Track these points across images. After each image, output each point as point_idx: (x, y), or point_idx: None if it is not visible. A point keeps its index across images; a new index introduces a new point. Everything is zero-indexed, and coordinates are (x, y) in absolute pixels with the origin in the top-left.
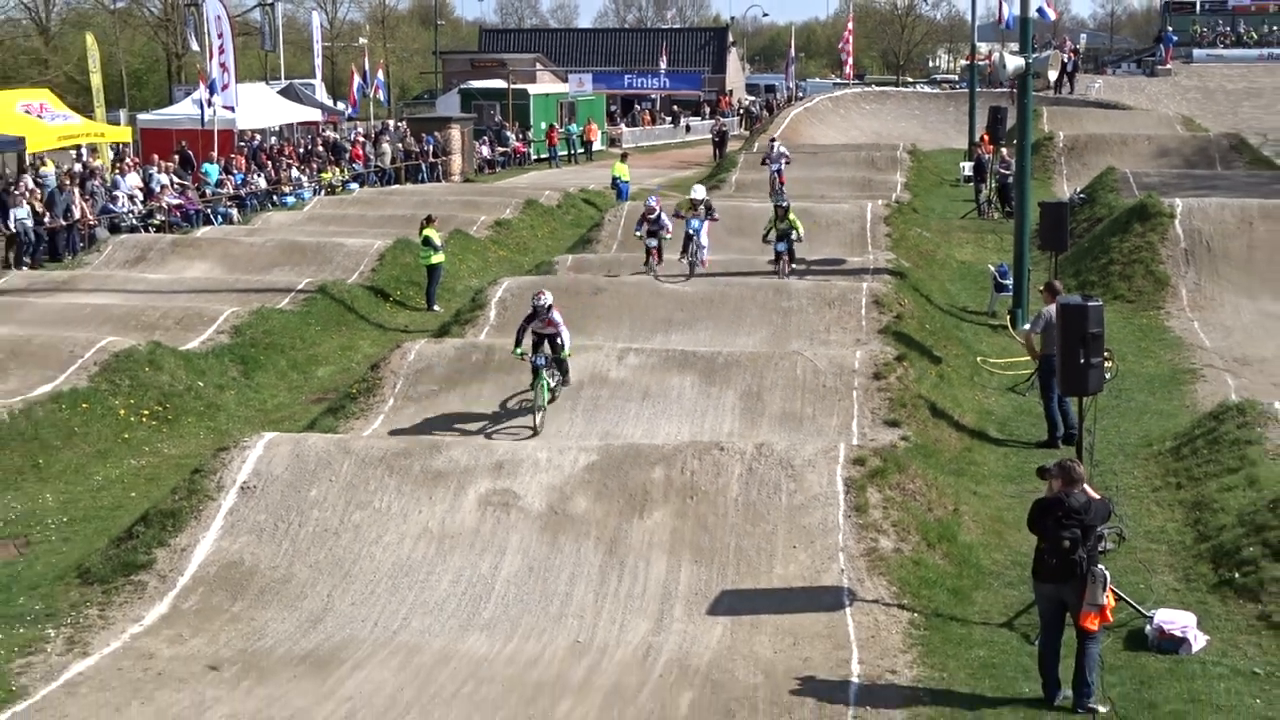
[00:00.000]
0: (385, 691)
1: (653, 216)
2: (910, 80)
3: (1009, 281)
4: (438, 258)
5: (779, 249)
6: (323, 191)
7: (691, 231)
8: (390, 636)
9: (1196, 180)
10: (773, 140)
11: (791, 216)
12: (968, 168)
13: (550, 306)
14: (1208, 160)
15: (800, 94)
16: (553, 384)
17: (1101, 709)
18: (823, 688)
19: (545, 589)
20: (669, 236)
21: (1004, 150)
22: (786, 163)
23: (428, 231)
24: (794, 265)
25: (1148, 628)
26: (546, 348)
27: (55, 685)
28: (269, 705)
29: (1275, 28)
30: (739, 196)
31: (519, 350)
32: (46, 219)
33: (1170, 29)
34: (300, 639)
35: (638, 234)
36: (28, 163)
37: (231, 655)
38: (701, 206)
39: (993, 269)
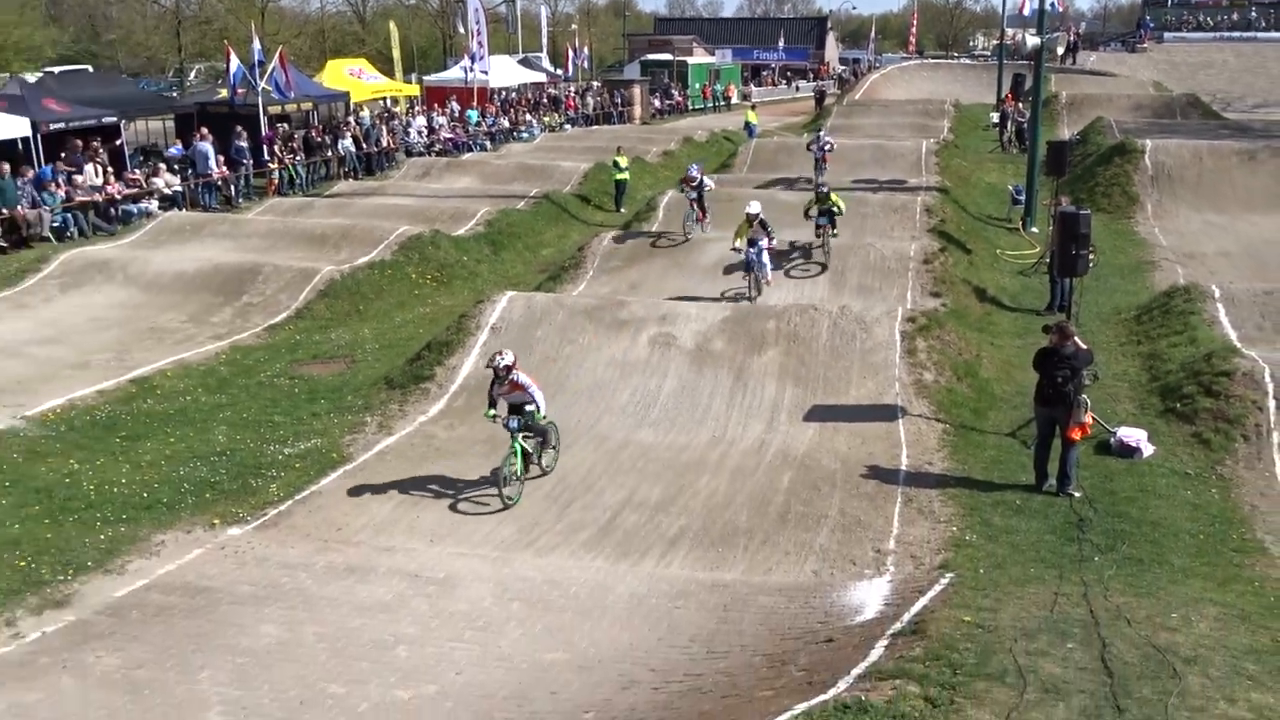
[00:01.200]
0: (585, 464)
1: (694, 183)
2: (956, 54)
3: (1022, 197)
4: (623, 175)
5: (820, 222)
6: (546, 130)
7: (752, 259)
8: (588, 428)
9: (1162, 127)
10: (820, 133)
11: (834, 197)
12: (995, 117)
13: (510, 367)
14: (1171, 113)
15: (878, 64)
16: (530, 449)
17: (1076, 494)
18: (882, 472)
19: (693, 401)
20: (711, 189)
21: (1021, 104)
22: (830, 149)
23: (617, 157)
24: (835, 232)
25: (1112, 439)
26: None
27: (370, 453)
28: None
29: (1225, 17)
30: (832, 135)
31: (490, 411)
32: (364, 147)
33: (1148, 17)
34: None
35: (681, 190)
36: (351, 109)
37: (483, 438)
38: (757, 223)
39: (1010, 188)
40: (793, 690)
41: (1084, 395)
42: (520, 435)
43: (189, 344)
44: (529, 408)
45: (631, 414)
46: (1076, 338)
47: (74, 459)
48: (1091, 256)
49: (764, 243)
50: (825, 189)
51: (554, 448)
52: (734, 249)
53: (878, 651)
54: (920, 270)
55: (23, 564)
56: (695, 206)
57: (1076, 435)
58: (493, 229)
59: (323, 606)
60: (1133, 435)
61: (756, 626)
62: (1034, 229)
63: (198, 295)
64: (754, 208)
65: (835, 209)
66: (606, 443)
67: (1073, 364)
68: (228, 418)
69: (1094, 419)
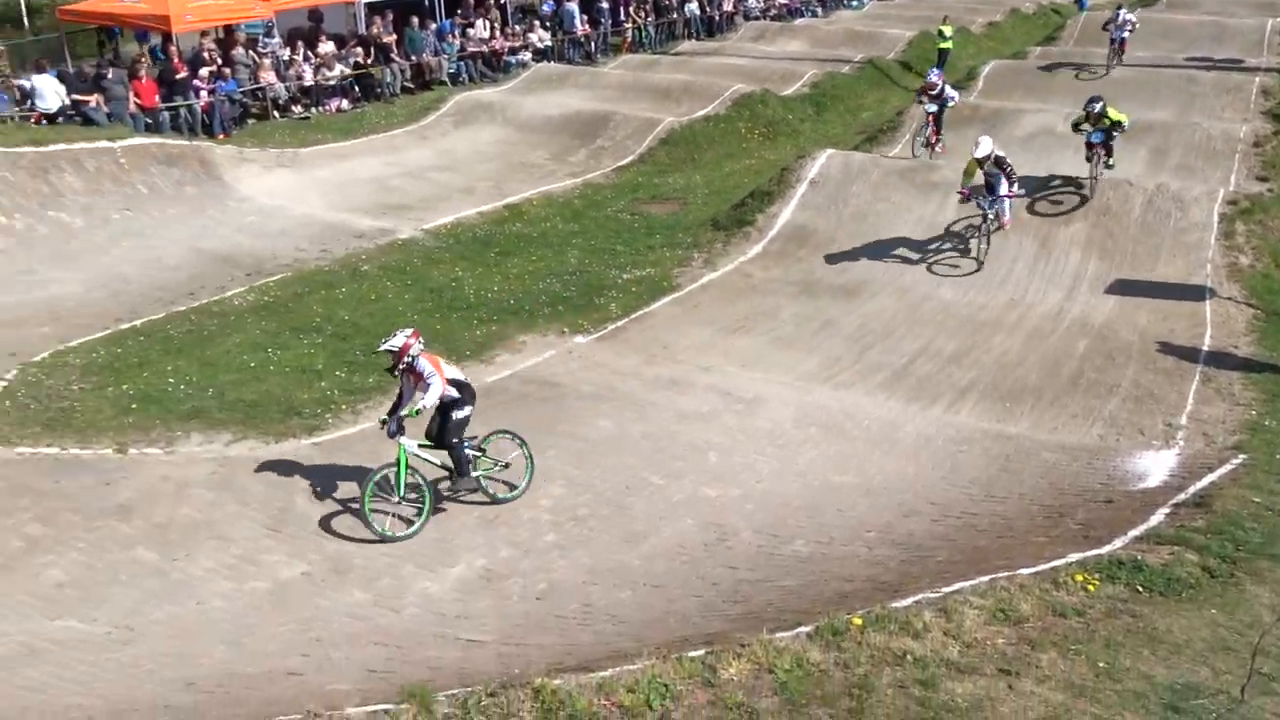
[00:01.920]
0: (887, 313)
1: (934, 91)
2: None
3: None
4: (947, 44)
5: (1093, 139)
6: None
7: (986, 206)
8: (893, 280)
9: None
10: (1120, 6)
11: (1111, 113)
12: None
13: (397, 352)
14: None
15: None
16: (436, 461)
17: None
18: (1180, 350)
19: (995, 264)
20: (954, 104)
21: None
22: (1131, 30)
23: (942, 26)
24: (1111, 162)
25: None
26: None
27: (695, 285)
28: (817, 311)
29: None
30: (1169, 12)
31: (382, 418)
32: (707, 10)
33: None
34: (837, 277)
35: (919, 100)
36: None
37: (795, 280)
38: (990, 163)
39: None
40: (1067, 540)
41: None
42: (408, 442)
43: (550, 179)
44: (423, 403)
45: (935, 271)
46: None
47: (459, 267)
48: None
49: (1004, 188)
50: (1100, 104)
51: (504, 466)
52: (960, 193)
53: (1158, 517)
54: (1249, 153)
55: None
56: (931, 122)
57: None
58: (817, 90)
59: (648, 410)
60: None
61: (1037, 479)
62: None
63: (559, 137)
64: (983, 149)
65: (1115, 126)
66: (909, 294)
67: None
68: (579, 244)
69: None
